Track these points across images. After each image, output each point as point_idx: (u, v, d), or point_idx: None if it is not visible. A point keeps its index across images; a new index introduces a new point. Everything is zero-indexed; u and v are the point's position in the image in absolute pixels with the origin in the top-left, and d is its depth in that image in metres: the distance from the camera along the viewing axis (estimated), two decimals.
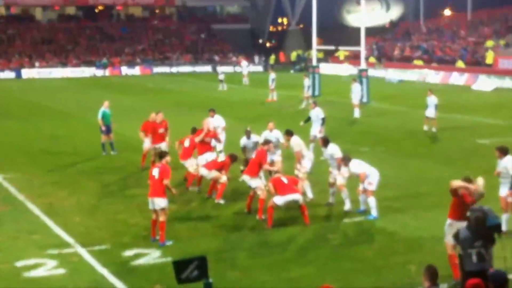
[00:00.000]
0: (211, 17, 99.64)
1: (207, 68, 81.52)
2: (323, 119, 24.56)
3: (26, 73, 74.82)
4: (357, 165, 17.08)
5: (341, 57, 76.29)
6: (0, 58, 78.33)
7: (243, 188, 18.83)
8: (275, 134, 20.15)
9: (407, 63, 69.11)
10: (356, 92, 36.78)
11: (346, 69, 68.72)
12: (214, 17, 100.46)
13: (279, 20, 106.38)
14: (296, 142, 19.08)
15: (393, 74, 64.31)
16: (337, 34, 73.91)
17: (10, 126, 34.67)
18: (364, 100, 42.27)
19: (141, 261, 13.92)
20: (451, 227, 12.06)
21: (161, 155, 15.68)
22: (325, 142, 18.35)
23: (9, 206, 18.40)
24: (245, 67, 62.16)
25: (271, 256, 14.21)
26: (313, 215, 16.80)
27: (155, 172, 15.06)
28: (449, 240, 12.04)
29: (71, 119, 37.07)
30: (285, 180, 16.61)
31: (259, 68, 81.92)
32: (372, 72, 56.54)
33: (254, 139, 20.69)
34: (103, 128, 25.99)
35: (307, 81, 41.87)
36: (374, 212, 16.69)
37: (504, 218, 14.54)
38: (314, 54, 50.83)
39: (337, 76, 65.46)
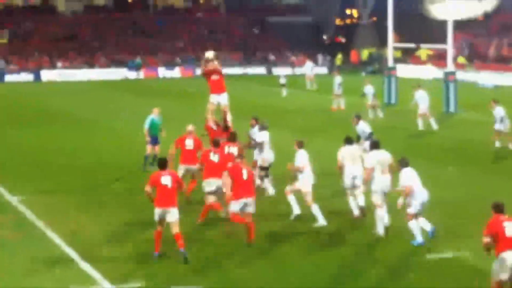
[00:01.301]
0: (265, 8, 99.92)
1: (261, 70, 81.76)
2: (371, 134, 24.63)
3: (46, 74, 76.14)
4: (408, 177, 17.36)
5: (423, 57, 75.70)
6: (15, 57, 79.83)
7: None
8: None
9: (505, 65, 68.24)
10: (423, 100, 36.94)
11: (428, 72, 68.16)
12: (270, 8, 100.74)
13: (348, 12, 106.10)
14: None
15: (487, 78, 63.59)
16: (419, 29, 73.38)
17: (26, 138, 35.29)
18: (451, 109, 42.00)
19: None
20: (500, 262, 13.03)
21: (163, 164, 16.84)
22: (372, 146, 19.05)
23: (26, 233, 18.71)
24: (310, 69, 62.41)
25: None
26: (388, 251, 16.78)
27: (167, 180, 16.47)
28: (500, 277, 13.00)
29: (98, 129, 37.56)
30: (245, 174, 17.64)
31: (323, 70, 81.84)
32: (461, 76, 56.02)
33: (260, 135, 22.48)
34: (148, 139, 26.75)
35: (370, 88, 41.57)
36: (418, 238, 17.20)
37: None
38: (390, 53, 50.60)
39: (418, 80, 64.89)
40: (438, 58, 69.37)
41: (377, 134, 27.17)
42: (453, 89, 43.66)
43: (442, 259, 16.46)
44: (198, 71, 79.11)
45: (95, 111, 46.08)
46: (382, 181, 18.07)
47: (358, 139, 24.58)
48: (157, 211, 16.50)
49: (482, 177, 25.56)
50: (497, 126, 31.12)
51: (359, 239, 17.93)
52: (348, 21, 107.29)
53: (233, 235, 17.90)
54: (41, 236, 18.55)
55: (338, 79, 45.90)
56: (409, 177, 17.37)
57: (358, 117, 25.33)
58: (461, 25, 67.57)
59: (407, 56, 76.58)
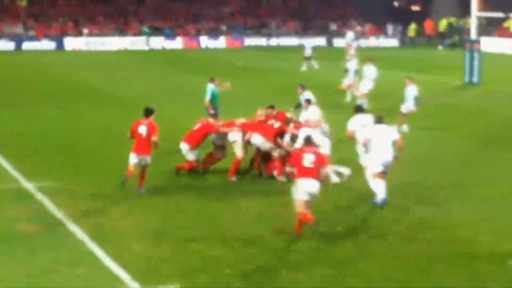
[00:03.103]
0: None
1: (320, 41, 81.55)
2: (307, 100, 26.31)
3: (70, 42, 76.92)
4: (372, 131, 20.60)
5: None
6: (36, 22, 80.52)
7: None
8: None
9: None
10: (368, 77, 37.08)
11: None
12: None
13: None
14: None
15: None
16: None
17: (46, 116, 35.64)
18: None
19: None
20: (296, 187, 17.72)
21: (148, 112, 21.41)
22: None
23: (44, 227, 18.82)
24: (350, 41, 62.12)
25: None
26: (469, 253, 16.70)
27: (143, 129, 21.02)
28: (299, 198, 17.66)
29: (129, 107, 37.65)
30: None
31: (394, 42, 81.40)
32: None
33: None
34: (212, 112, 26.61)
35: (353, 64, 40.41)
36: (379, 197, 20.09)
37: None
38: (473, 23, 50.16)
39: (506, 56, 64.33)
40: None
41: (449, 117, 27.13)
42: None
43: None
44: (247, 41, 79.56)
45: (125, 87, 46.42)
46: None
47: (298, 106, 27.50)
48: (132, 156, 21.21)
49: None
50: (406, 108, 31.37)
51: (438, 235, 17.85)
52: None
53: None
54: (62, 229, 18.67)
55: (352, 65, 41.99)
56: (374, 132, 20.49)
57: (303, 87, 29.61)
58: None
59: (493, 27, 75.93)
